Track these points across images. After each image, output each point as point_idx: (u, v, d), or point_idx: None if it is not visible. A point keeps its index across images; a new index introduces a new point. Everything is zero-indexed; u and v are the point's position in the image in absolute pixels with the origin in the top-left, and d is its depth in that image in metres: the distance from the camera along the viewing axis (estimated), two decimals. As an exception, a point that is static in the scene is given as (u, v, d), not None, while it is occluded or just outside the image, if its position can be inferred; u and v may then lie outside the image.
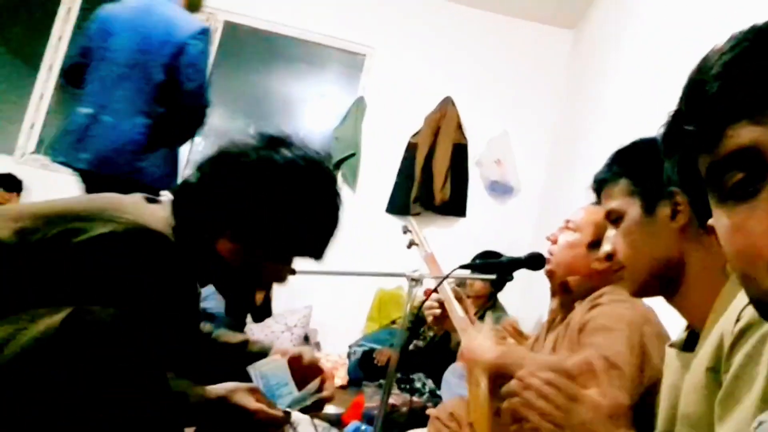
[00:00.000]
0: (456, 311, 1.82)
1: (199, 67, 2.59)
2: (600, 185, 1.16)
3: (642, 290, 1.07)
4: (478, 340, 1.51)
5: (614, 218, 1.08)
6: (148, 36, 2.57)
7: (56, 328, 0.77)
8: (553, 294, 1.87)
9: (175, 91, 2.55)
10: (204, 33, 2.65)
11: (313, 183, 1.07)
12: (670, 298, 1.03)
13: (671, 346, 1.03)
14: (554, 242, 1.79)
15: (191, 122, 2.62)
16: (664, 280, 1.02)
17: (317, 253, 1.12)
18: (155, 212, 0.99)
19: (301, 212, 1.05)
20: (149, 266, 0.89)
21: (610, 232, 1.08)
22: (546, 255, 1.81)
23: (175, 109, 2.58)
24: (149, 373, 0.82)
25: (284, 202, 1.03)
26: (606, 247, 1.07)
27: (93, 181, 2.51)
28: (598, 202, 1.18)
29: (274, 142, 1.08)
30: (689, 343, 0.97)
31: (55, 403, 0.76)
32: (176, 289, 0.92)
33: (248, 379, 1.19)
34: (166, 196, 1.09)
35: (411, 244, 2.20)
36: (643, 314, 1.51)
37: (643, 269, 1.04)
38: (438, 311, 1.86)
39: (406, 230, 2.25)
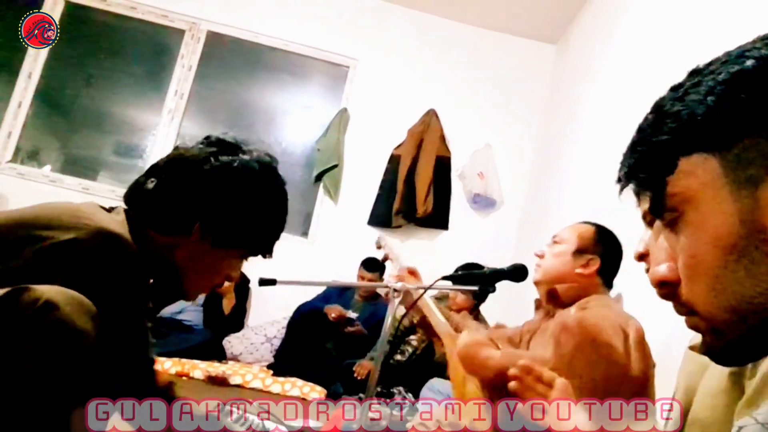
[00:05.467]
0: (438, 319, 1.87)
1: None
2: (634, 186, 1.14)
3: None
4: (484, 352, 1.60)
5: (650, 220, 1.05)
6: None
7: None
8: (539, 305, 1.89)
9: None
10: None
11: (267, 184, 1.20)
12: None
13: (692, 348, 1.02)
14: (542, 257, 1.85)
15: None
16: None
17: (270, 248, 1.24)
18: (112, 218, 1.03)
19: (259, 209, 1.17)
20: (115, 270, 0.92)
21: (646, 234, 1.05)
22: (532, 267, 1.85)
23: None
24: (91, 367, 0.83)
25: (245, 201, 1.15)
26: (639, 248, 1.04)
27: None
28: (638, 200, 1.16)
29: (228, 147, 1.18)
30: None
31: None
32: (136, 291, 0.94)
33: None
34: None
35: (385, 258, 2.28)
36: (627, 319, 1.52)
37: None
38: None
39: (378, 245, 2.32)
